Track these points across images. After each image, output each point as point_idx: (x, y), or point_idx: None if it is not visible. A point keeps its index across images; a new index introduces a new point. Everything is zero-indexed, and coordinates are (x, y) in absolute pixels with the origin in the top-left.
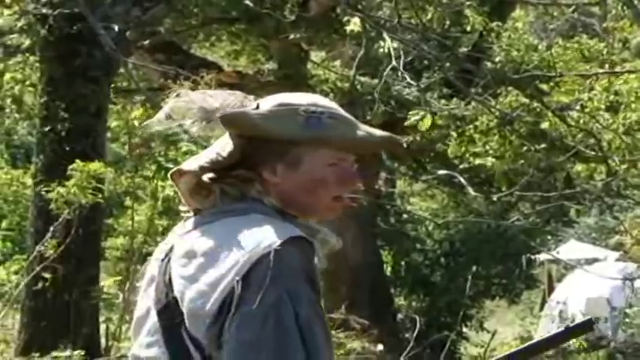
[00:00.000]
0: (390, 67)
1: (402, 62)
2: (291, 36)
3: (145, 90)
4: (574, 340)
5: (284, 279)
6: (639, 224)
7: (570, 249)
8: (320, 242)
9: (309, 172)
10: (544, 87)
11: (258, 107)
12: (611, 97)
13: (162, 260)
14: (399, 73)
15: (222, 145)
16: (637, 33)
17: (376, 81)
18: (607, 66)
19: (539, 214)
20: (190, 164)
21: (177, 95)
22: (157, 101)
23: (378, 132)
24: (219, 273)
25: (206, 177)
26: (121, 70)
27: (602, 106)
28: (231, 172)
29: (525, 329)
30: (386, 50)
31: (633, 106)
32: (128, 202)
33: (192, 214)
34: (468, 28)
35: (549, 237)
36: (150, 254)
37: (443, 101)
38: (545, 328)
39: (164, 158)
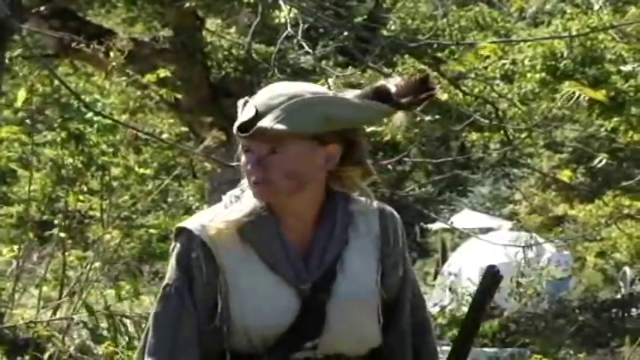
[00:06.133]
0: (284, 34)
1: (300, 30)
2: (187, 3)
3: (40, 57)
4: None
5: (168, 271)
6: (534, 193)
7: (464, 218)
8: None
9: None
10: (439, 55)
11: None
12: (507, 66)
13: None
14: (295, 41)
15: None
16: (532, 2)
17: (272, 48)
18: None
19: (434, 184)
20: None
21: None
22: (51, 68)
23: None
24: None
25: None
26: (16, 36)
27: (498, 75)
28: None
29: None
30: (282, 20)
31: (528, 75)
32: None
33: None
34: None
35: (443, 206)
36: (46, 223)
37: (339, 69)
38: (438, 297)
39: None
